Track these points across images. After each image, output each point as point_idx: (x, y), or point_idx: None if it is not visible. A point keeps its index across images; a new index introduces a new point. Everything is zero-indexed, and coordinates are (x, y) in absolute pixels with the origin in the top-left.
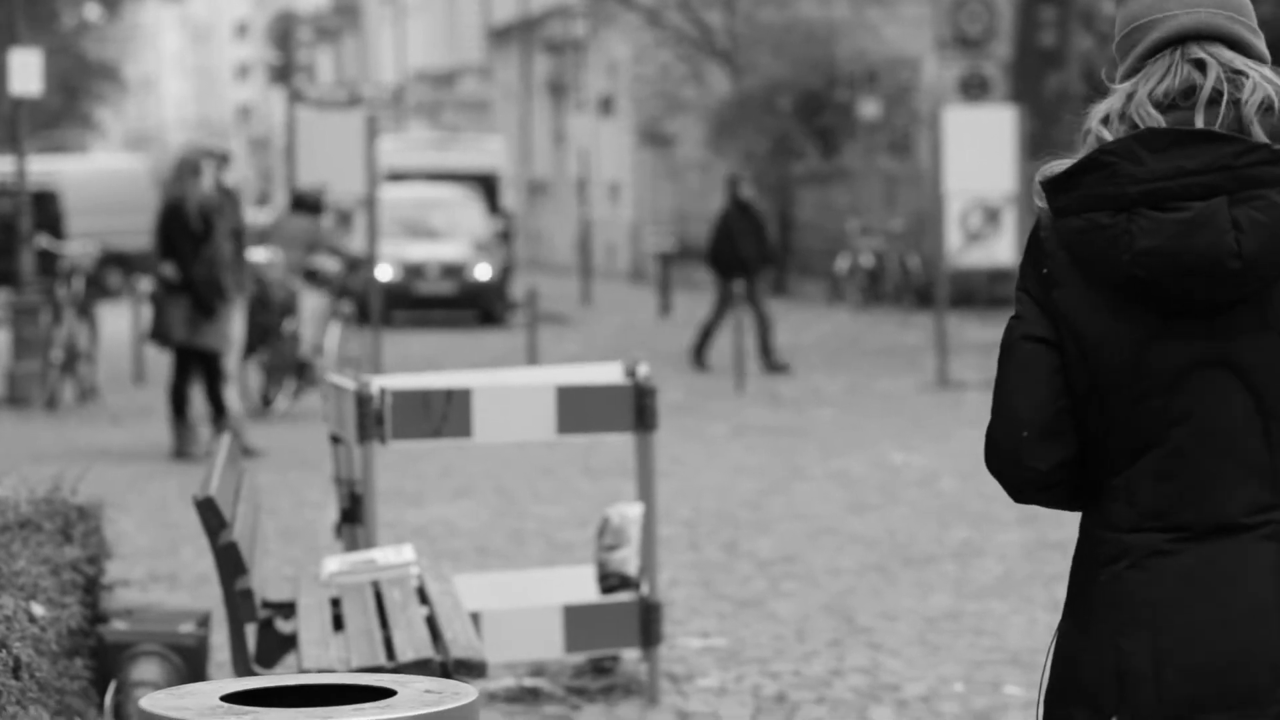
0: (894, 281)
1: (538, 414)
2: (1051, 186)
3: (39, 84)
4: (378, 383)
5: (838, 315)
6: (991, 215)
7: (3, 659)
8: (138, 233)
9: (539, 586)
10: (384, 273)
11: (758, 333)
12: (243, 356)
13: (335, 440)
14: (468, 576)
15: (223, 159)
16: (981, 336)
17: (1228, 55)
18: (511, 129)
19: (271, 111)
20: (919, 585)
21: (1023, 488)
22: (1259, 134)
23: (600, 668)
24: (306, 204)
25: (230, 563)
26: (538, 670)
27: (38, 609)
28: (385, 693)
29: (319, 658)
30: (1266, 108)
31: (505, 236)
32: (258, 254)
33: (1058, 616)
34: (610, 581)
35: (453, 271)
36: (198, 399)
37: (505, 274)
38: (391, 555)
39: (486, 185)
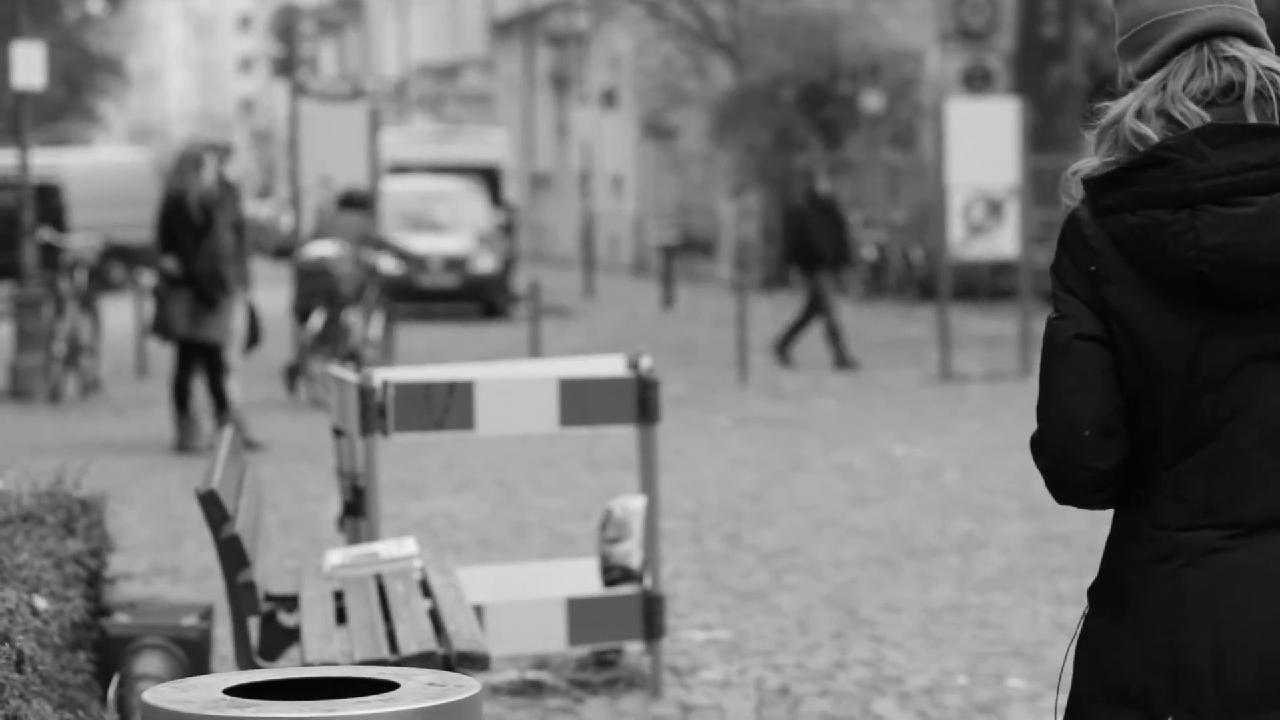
0: (897, 274)
1: (540, 406)
2: (1100, 184)
3: (42, 77)
4: (380, 375)
5: (840, 308)
6: (994, 208)
7: (6, 652)
8: (140, 226)
9: (542, 579)
10: (387, 265)
11: (792, 321)
12: (310, 348)
13: (338, 433)
14: (470, 569)
15: (224, 152)
16: (984, 329)
17: (1253, 51)
18: (514, 122)
19: (274, 104)
20: (922, 577)
21: (1079, 488)
22: None
23: (603, 660)
24: (355, 201)
25: (233, 556)
26: (541, 663)
27: (40, 602)
28: (388, 685)
29: (322, 651)
30: None
31: (508, 229)
32: (324, 248)
33: (1061, 609)
34: (613, 574)
35: (455, 264)
36: (199, 392)
37: (508, 267)
38: (394, 548)
39: (489, 178)
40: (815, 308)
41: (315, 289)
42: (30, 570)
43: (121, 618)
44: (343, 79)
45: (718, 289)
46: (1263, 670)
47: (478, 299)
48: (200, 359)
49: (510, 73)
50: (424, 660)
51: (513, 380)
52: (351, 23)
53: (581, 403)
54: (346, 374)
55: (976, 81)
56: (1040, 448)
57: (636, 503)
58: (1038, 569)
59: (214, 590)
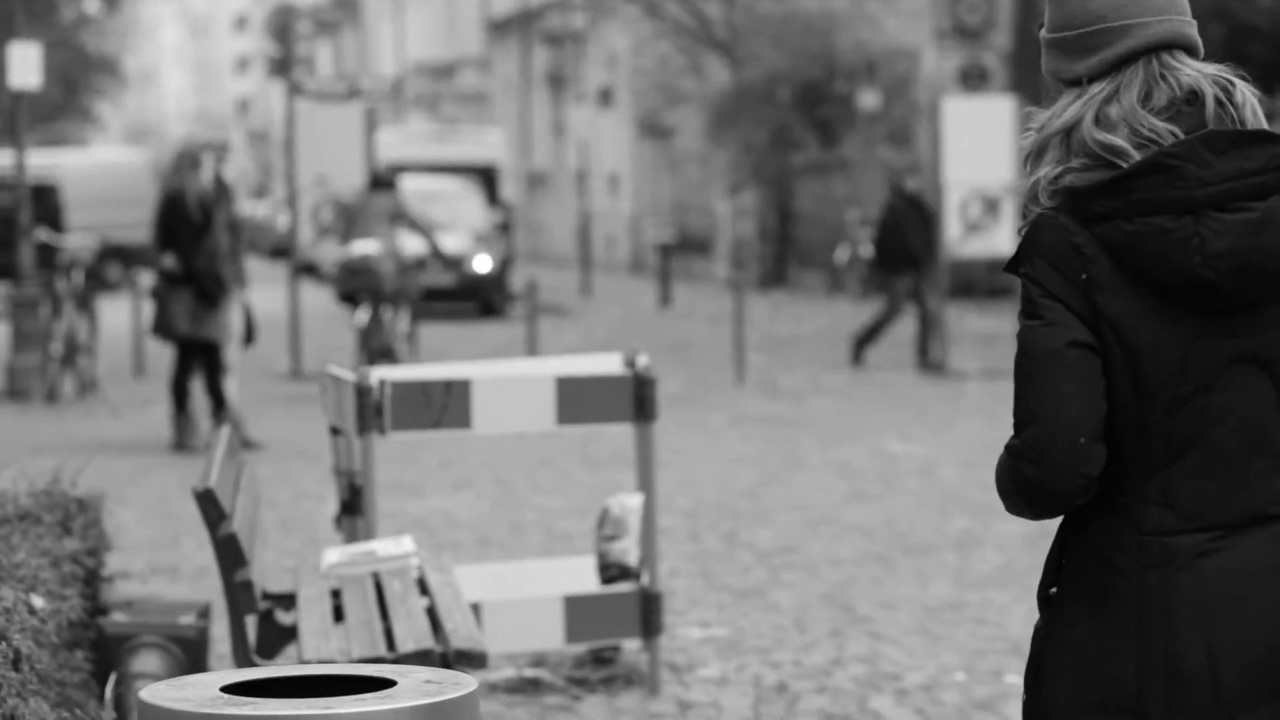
0: None
1: (537, 405)
2: (1093, 192)
3: (38, 77)
4: (377, 374)
5: (837, 306)
6: (991, 205)
7: (3, 651)
8: (137, 226)
9: (539, 577)
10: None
11: (919, 330)
12: (359, 347)
13: (335, 432)
14: (468, 567)
15: (221, 151)
16: (981, 326)
17: (1195, 64)
18: (511, 121)
19: (271, 104)
20: (919, 575)
21: (1069, 497)
22: None
23: (601, 658)
24: (382, 181)
25: (230, 554)
26: (538, 661)
27: (38, 601)
28: (386, 683)
29: (319, 649)
30: (1254, 111)
31: (505, 228)
32: (368, 246)
33: None
34: (610, 572)
35: (452, 264)
36: (197, 391)
37: (505, 266)
38: (391, 546)
39: (486, 177)
40: (912, 305)
41: (360, 285)
42: (27, 569)
43: (119, 616)
44: (339, 78)
45: (714, 287)
46: (1255, 670)
47: (475, 298)
48: (200, 358)
49: (507, 72)
50: (421, 658)
51: (510, 379)
52: (348, 22)
53: (578, 401)
54: (344, 372)
55: (973, 80)
56: (1030, 456)
57: (634, 501)
58: (1035, 566)
59: (211, 589)
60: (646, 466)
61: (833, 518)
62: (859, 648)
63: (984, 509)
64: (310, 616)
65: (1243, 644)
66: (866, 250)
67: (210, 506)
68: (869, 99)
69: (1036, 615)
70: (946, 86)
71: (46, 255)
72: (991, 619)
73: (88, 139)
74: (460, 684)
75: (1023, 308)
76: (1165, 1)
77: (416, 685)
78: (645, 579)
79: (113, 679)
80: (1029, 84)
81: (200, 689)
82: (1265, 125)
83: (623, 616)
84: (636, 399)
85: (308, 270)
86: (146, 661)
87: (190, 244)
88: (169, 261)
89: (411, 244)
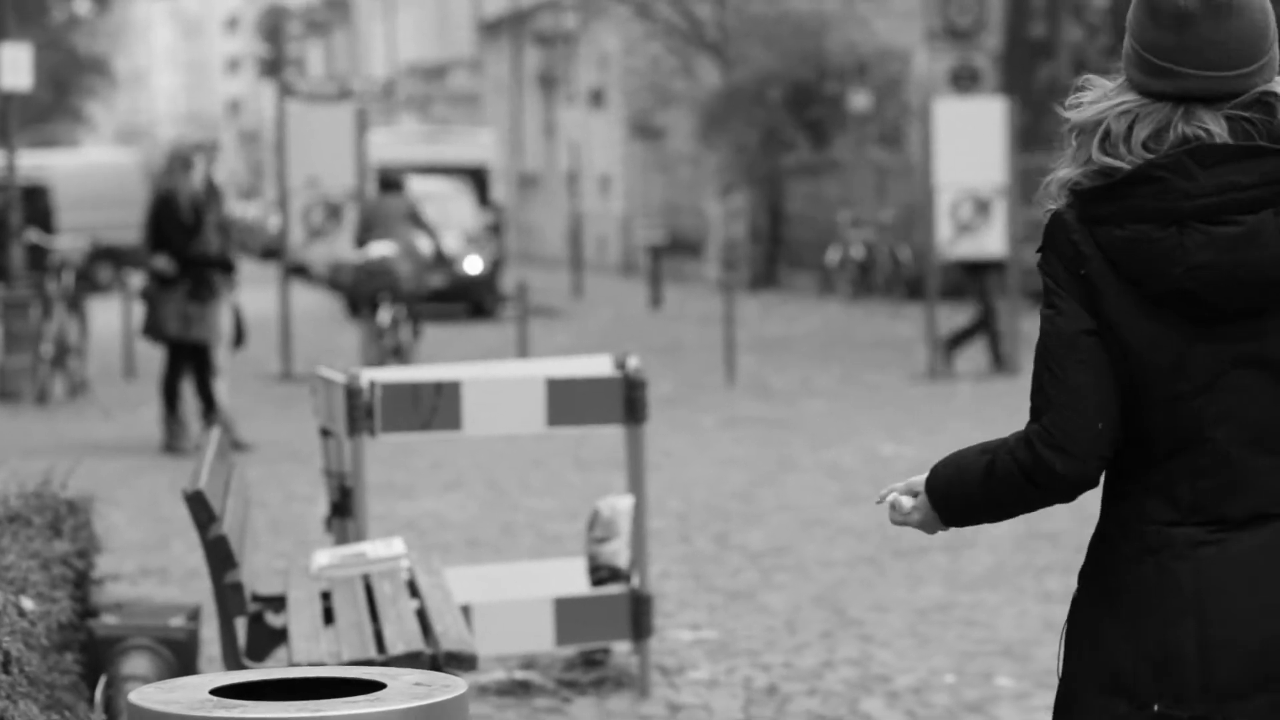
0: (884, 273)
1: (527, 406)
2: (1093, 195)
3: (29, 78)
4: (367, 375)
5: (828, 307)
6: (982, 207)
7: None
8: (128, 227)
9: (529, 579)
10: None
11: (987, 331)
12: (370, 347)
13: (325, 433)
14: (458, 569)
15: (210, 152)
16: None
17: (1211, 116)
18: (502, 122)
19: (262, 105)
20: (910, 577)
21: (1088, 480)
22: None
23: (591, 660)
24: (391, 183)
25: (220, 556)
26: (528, 663)
27: (27, 603)
28: (375, 686)
29: (309, 651)
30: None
31: (496, 229)
32: (384, 248)
33: (1049, 607)
34: (601, 574)
35: (443, 265)
36: (187, 393)
37: (496, 267)
38: (381, 548)
39: (477, 178)
40: (988, 309)
41: (379, 286)
42: (17, 571)
43: (109, 619)
44: (330, 79)
45: (705, 289)
46: (1246, 659)
47: (465, 299)
48: (190, 360)
49: (498, 73)
50: (411, 660)
51: (500, 380)
52: (339, 23)
53: (569, 403)
54: (333, 374)
55: (964, 81)
56: (1054, 441)
57: (624, 502)
58: (1025, 567)
59: (201, 591)
60: (637, 468)
61: (824, 519)
62: (850, 650)
63: None
64: (300, 619)
65: (1236, 634)
66: (858, 252)
67: (200, 509)
68: (860, 100)
69: (1027, 616)
70: (937, 87)
71: (37, 256)
72: (982, 621)
73: (79, 140)
74: (450, 686)
75: (1043, 298)
76: (1218, 57)
77: (406, 688)
78: (636, 581)
79: (102, 681)
80: (1020, 85)
81: (190, 691)
82: None
83: (613, 618)
84: (627, 400)
85: (298, 272)
86: (136, 664)
87: (182, 245)
88: (161, 262)
89: (423, 244)
